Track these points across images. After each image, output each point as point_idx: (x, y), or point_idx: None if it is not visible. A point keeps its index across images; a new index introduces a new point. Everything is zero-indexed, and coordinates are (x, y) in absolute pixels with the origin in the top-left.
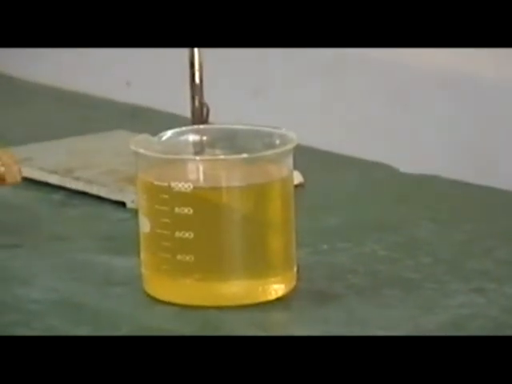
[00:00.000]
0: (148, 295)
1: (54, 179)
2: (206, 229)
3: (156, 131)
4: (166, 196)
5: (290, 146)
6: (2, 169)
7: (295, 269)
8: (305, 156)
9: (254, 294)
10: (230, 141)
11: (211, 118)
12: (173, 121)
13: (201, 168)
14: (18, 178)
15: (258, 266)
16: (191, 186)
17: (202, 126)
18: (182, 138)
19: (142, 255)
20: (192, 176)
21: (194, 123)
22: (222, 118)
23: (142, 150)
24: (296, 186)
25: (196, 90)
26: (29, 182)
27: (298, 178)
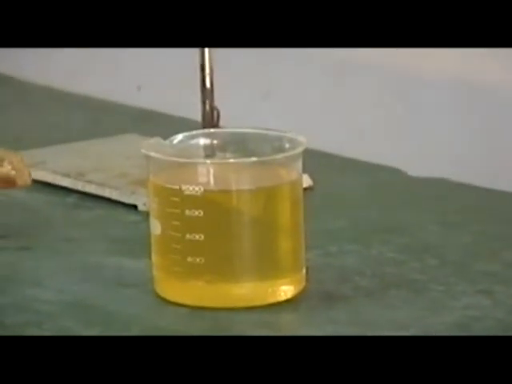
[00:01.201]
0: (159, 297)
1: (66, 182)
2: (217, 231)
3: (167, 135)
4: (177, 199)
5: (299, 150)
6: (13, 172)
7: (304, 270)
8: (314, 159)
9: (263, 296)
10: (240, 144)
11: (221, 122)
12: (183, 124)
13: (211, 171)
14: (28, 182)
15: (268, 268)
16: (202, 189)
17: (212, 130)
18: (193, 141)
19: (153, 257)
20: (203, 179)
21: (204, 127)
22: (232, 121)
23: (153, 154)
24: (305, 189)
25: (207, 93)
26: (42, 185)
27: (307, 181)
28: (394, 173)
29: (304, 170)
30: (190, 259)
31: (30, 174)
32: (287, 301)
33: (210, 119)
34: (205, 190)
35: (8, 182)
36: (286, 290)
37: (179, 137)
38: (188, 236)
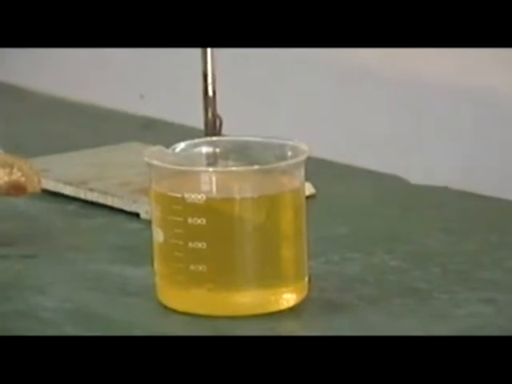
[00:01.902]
0: (161, 305)
1: (68, 190)
2: (219, 239)
3: (169, 143)
4: (180, 207)
5: (301, 158)
6: (23, 179)
7: (306, 279)
8: (316, 167)
9: (265, 304)
10: (243, 152)
11: (224, 130)
12: (186, 133)
13: (214, 179)
14: (38, 188)
15: (270, 276)
16: (204, 197)
17: (214, 138)
18: (196, 149)
19: (156, 265)
20: (205, 187)
21: (207, 135)
22: (234, 129)
23: (155, 162)
24: (307, 197)
25: (209, 102)
26: (44, 192)
27: (309, 189)
28: (397, 181)
29: (306, 178)
30: (192, 267)
31: (39, 181)
32: (289, 309)
33: (213, 127)
34: (207, 198)
35: (18, 189)
36: (288, 299)
37: (182, 145)
38: (190, 244)
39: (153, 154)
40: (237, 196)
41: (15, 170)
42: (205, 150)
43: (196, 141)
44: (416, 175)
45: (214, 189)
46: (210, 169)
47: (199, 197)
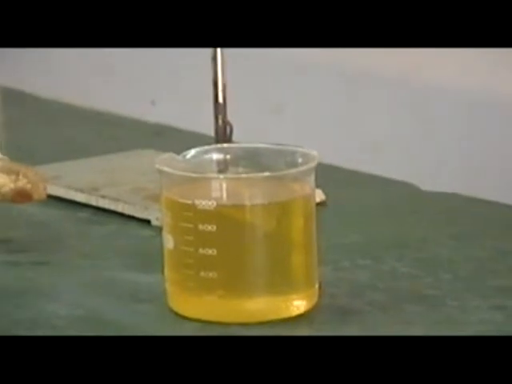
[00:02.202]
0: (172, 311)
1: (80, 197)
2: (229, 246)
3: (180, 150)
4: (190, 213)
5: (312, 165)
6: (29, 186)
7: (317, 285)
8: (326, 174)
9: (276, 311)
10: (253, 159)
11: (234, 137)
12: (197, 140)
13: (224, 186)
14: (44, 195)
15: (281, 283)
16: (215, 204)
17: (225, 145)
18: (206, 156)
19: (166, 272)
20: (215, 194)
21: (217, 142)
22: (245, 136)
23: (166, 169)
24: (318, 204)
25: (219, 109)
26: (55, 199)
27: (319, 195)
28: (407, 187)
29: (317, 185)
30: (202, 274)
31: (45, 188)
32: (300, 315)
33: (223, 134)
34: (218, 205)
35: (24, 196)
36: (298, 305)
37: (192, 152)
38: (201, 251)
39: (163, 161)
40: (247, 203)
41: (21, 177)
42: (215, 156)
43: (206, 147)
44: (426, 181)
45: (225, 195)
46: (221, 175)
47: (210, 203)
